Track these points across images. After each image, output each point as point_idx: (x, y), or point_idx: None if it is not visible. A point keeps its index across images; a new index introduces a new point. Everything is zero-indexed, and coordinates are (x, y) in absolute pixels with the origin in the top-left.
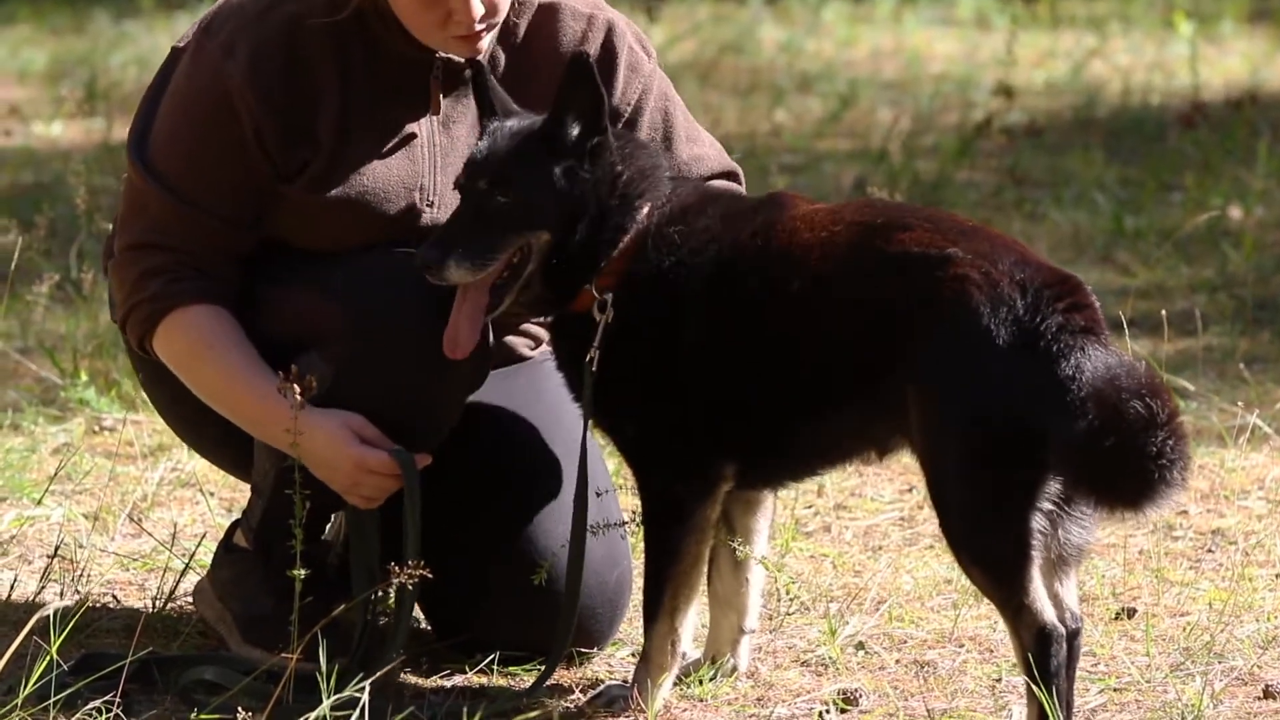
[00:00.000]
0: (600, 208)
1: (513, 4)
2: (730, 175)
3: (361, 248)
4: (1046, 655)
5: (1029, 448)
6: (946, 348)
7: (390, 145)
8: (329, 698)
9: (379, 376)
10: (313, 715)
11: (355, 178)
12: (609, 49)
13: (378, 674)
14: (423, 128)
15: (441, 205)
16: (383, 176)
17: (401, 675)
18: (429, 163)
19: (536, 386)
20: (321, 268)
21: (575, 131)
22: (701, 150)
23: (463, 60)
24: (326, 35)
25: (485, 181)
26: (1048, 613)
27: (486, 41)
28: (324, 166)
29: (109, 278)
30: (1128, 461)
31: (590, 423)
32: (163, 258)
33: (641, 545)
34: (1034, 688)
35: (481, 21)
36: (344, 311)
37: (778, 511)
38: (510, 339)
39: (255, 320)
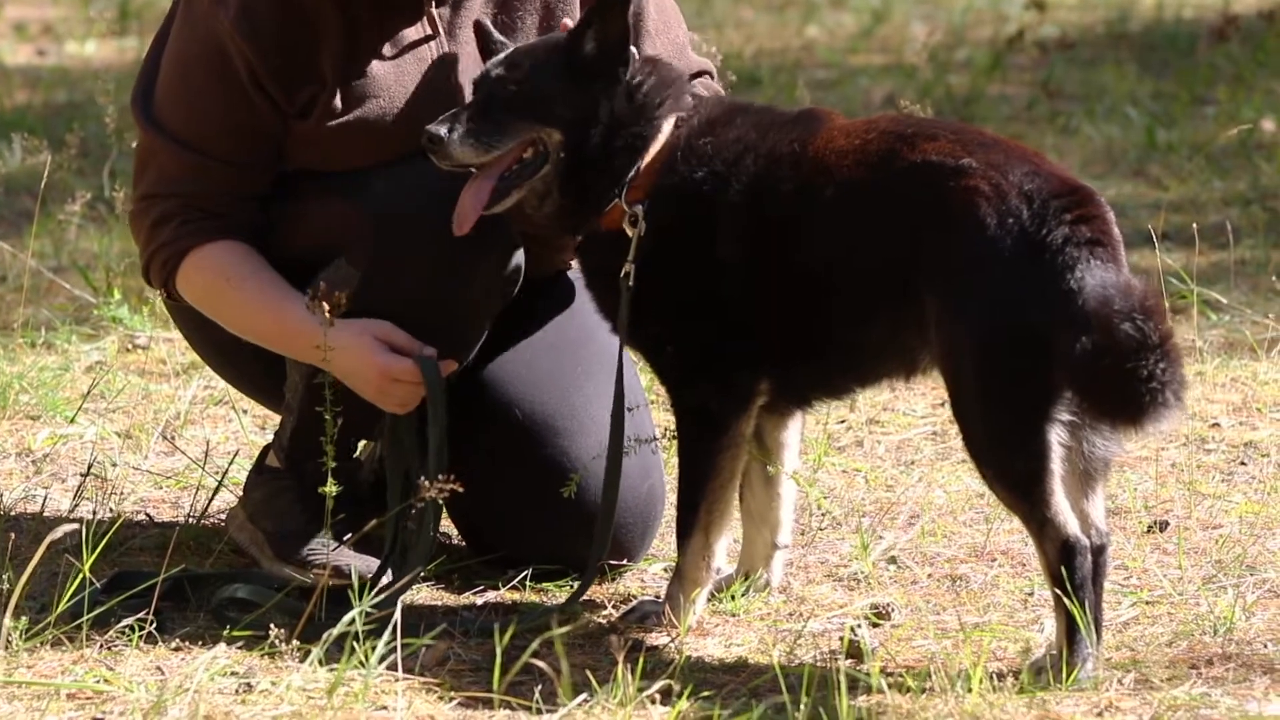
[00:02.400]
0: (616, 117)
1: None
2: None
3: (382, 163)
4: (1072, 566)
5: (1037, 360)
6: (956, 259)
7: (397, 62)
8: (361, 610)
9: (404, 276)
10: (337, 628)
11: (370, 101)
12: None
13: (403, 584)
14: (429, 40)
15: None
16: (399, 93)
17: (436, 591)
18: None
19: (572, 299)
20: (348, 179)
21: (591, 47)
22: (666, 49)
23: None
24: None
25: (498, 70)
26: (1071, 525)
27: None
28: (335, 96)
29: (130, 230)
30: (1121, 382)
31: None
32: (172, 204)
33: (674, 459)
34: (1062, 599)
35: None
36: (369, 215)
37: (811, 427)
38: (547, 250)
39: (287, 234)
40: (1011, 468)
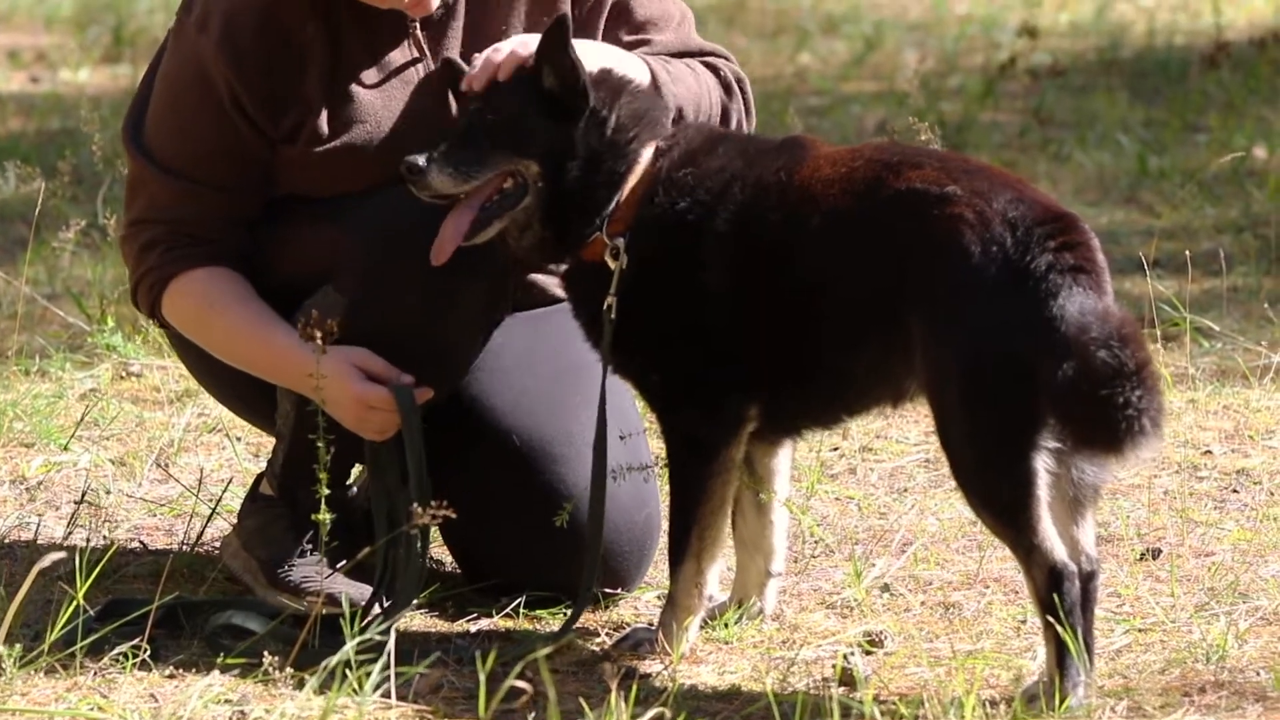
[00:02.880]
0: (591, 149)
1: None
2: (691, 55)
3: (370, 189)
4: (1060, 593)
5: (1020, 387)
6: (940, 285)
7: (382, 84)
8: (355, 640)
9: (391, 304)
10: (335, 657)
11: (357, 126)
12: None
13: (396, 615)
14: (415, 64)
15: None
16: (385, 118)
17: (428, 619)
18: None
19: (565, 329)
20: (335, 206)
21: (550, 82)
22: (660, 37)
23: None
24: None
25: (478, 100)
26: (1058, 551)
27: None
28: (321, 121)
29: (121, 255)
30: (1097, 410)
31: (611, 368)
32: (160, 230)
33: (668, 487)
34: (1052, 625)
35: None
36: (357, 243)
37: (804, 454)
38: (540, 279)
39: (275, 260)
40: (997, 494)
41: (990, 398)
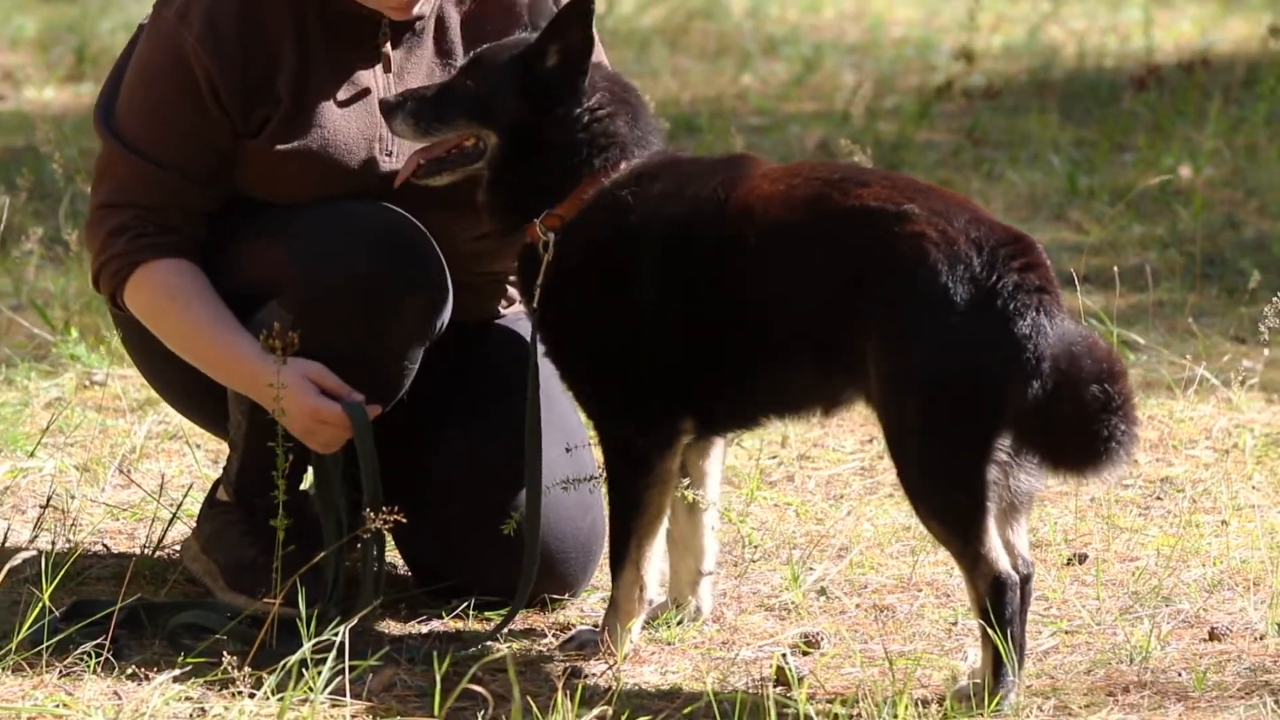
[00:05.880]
0: (555, 142)
1: None
2: None
3: (321, 199)
4: (1002, 603)
5: (985, 404)
6: (905, 304)
7: (347, 98)
8: (309, 641)
9: (330, 323)
10: (294, 658)
11: (316, 130)
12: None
13: (354, 617)
14: (377, 80)
15: (399, 154)
16: (342, 128)
17: (381, 620)
18: None
19: (508, 342)
20: (282, 219)
21: (554, 62)
22: None
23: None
24: None
25: (462, 67)
26: (1002, 562)
27: (420, 4)
28: (285, 120)
29: (84, 239)
30: (1079, 439)
31: (559, 380)
32: (128, 215)
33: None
34: (990, 632)
35: None
36: (298, 260)
37: (744, 462)
38: (481, 297)
39: (222, 272)
40: (949, 506)
41: (952, 413)
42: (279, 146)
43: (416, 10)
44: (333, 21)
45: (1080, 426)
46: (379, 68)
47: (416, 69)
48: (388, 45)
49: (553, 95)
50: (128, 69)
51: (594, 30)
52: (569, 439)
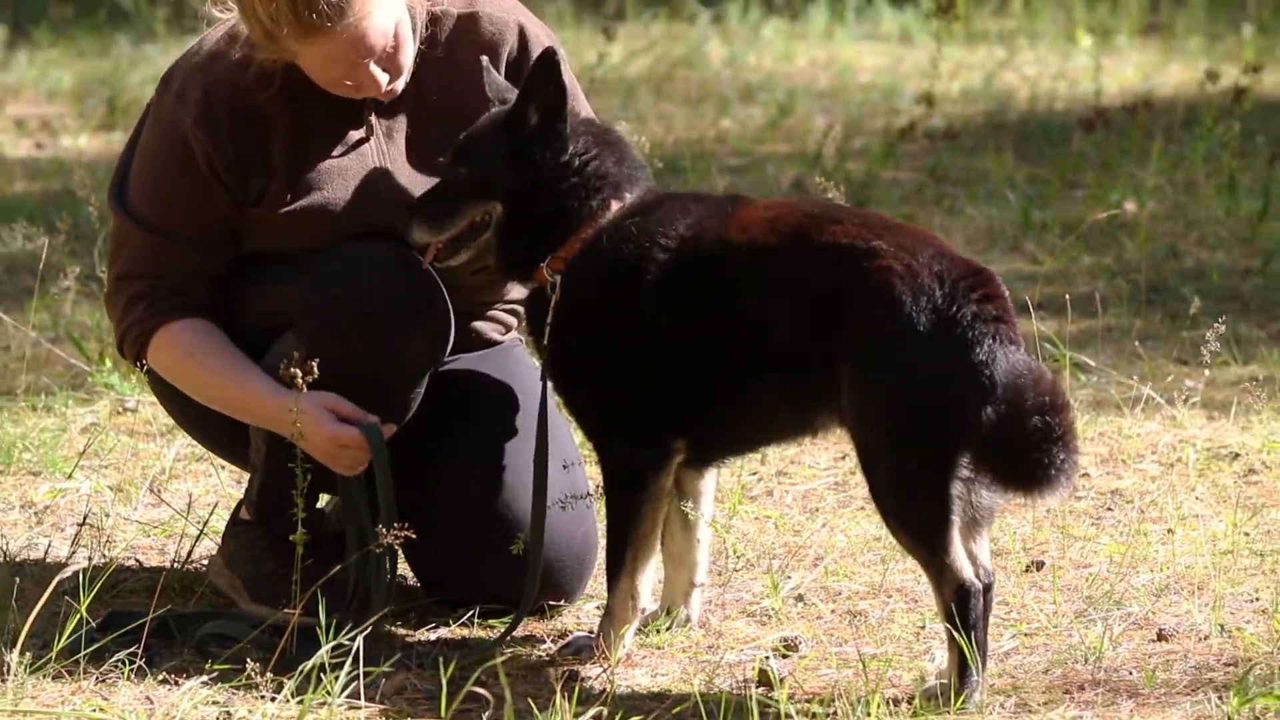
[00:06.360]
0: (553, 192)
1: (431, 16)
2: None
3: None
4: (966, 608)
5: (947, 424)
6: (873, 332)
7: (341, 153)
8: (327, 647)
9: (341, 353)
10: (311, 662)
11: (316, 191)
12: (524, 47)
13: (367, 625)
14: (369, 140)
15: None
16: (340, 185)
17: (392, 628)
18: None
19: (507, 368)
20: (294, 261)
21: (535, 119)
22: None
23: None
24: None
25: (452, 155)
26: (967, 570)
27: (400, 84)
28: (282, 187)
29: (106, 308)
30: (1024, 465)
31: (555, 398)
32: (142, 284)
33: (604, 511)
34: (955, 636)
35: (390, 83)
36: (313, 295)
37: (726, 479)
38: (481, 325)
39: (239, 313)
40: (917, 519)
41: (917, 432)
42: (283, 210)
43: (399, 87)
44: (322, 96)
45: (1024, 454)
46: (365, 129)
47: (401, 127)
48: (371, 114)
49: (541, 151)
50: (136, 149)
51: (565, 77)
52: (565, 457)
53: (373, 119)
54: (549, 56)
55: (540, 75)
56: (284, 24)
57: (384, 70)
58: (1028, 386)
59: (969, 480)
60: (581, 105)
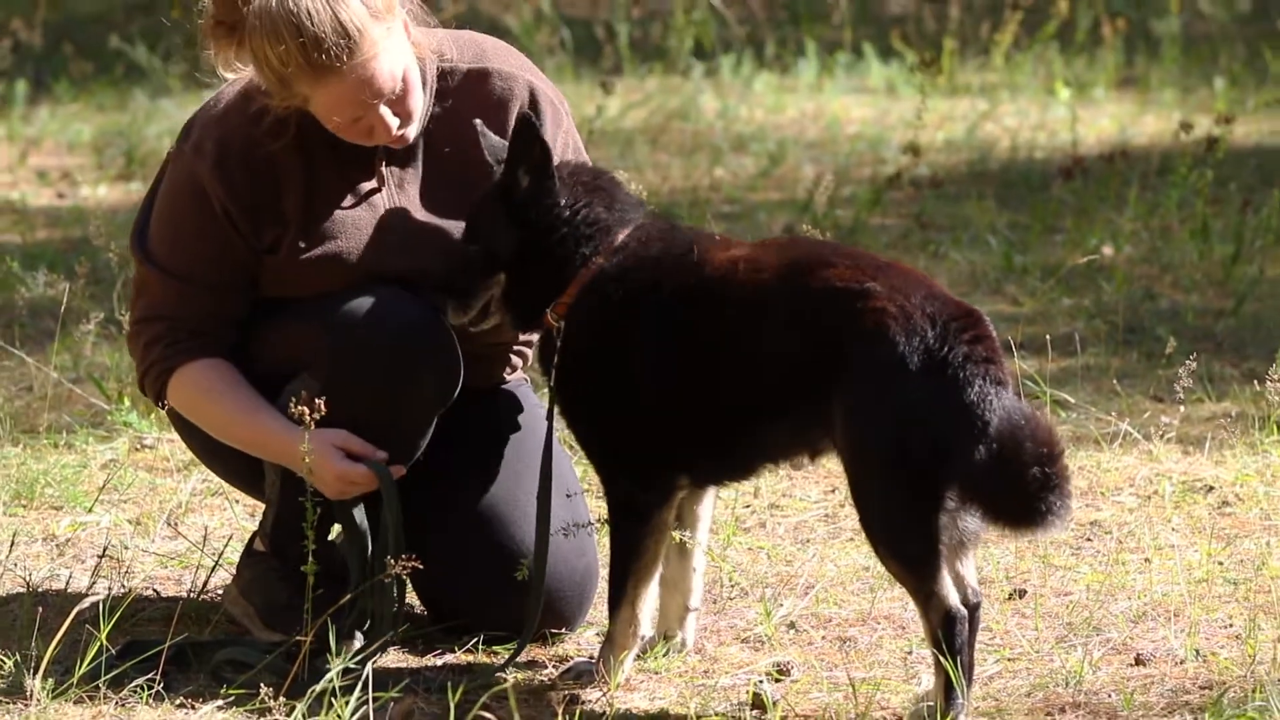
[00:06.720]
0: (549, 246)
1: (441, 71)
2: None
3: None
4: (952, 634)
5: (936, 459)
6: (866, 370)
7: (352, 204)
8: (337, 669)
9: (354, 394)
10: (321, 686)
11: (330, 241)
12: (534, 105)
13: (374, 649)
14: (380, 190)
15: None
16: (354, 234)
17: (400, 654)
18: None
19: (512, 406)
20: (309, 305)
21: (526, 182)
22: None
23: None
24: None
25: (463, 236)
26: (953, 597)
27: (413, 132)
28: (297, 237)
29: (128, 349)
30: (1020, 509)
31: (559, 435)
32: (162, 326)
33: (605, 540)
34: (942, 661)
35: (401, 128)
36: (326, 338)
37: (720, 512)
38: (488, 367)
39: (258, 352)
40: (906, 550)
41: (907, 466)
42: (298, 259)
43: (410, 134)
44: (335, 145)
45: (1021, 501)
46: (377, 180)
47: (413, 179)
48: (383, 164)
49: (535, 211)
50: (156, 198)
51: (566, 132)
52: (567, 488)
53: (384, 169)
54: (526, 120)
55: (523, 138)
56: (294, 68)
57: (394, 115)
58: (1026, 438)
59: (955, 511)
60: (578, 153)
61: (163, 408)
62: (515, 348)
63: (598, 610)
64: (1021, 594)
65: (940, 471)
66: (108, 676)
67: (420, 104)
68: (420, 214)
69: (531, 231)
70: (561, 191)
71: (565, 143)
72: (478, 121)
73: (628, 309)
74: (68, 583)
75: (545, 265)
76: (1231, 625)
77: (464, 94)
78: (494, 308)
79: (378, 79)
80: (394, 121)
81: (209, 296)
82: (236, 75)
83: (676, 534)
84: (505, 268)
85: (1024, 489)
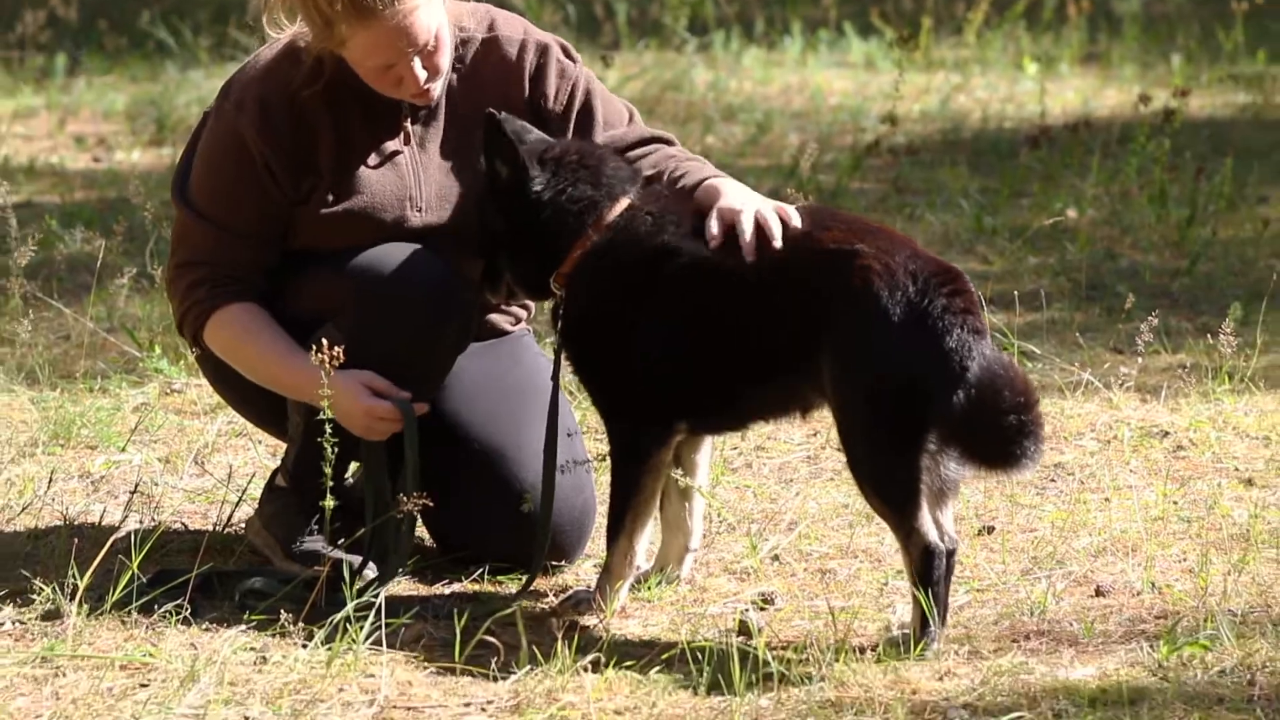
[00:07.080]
0: (538, 225)
1: (460, 40)
2: (652, 140)
3: (368, 244)
4: (930, 568)
5: (917, 404)
6: (854, 323)
7: (378, 163)
8: (353, 601)
9: (378, 341)
10: (339, 615)
11: (355, 196)
12: (542, 63)
13: (388, 579)
14: (404, 149)
15: (427, 210)
16: (378, 191)
17: (411, 583)
18: (413, 177)
19: (516, 354)
20: (340, 257)
21: (506, 172)
22: (618, 132)
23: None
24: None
25: (479, 219)
26: (932, 534)
27: (437, 90)
28: (328, 189)
29: (167, 293)
30: (997, 452)
31: (563, 380)
32: (204, 272)
33: (605, 477)
34: (918, 593)
35: (428, 82)
36: (354, 288)
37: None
38: (494, 317)
39: (289, 301)
40: (889, 488)
41: (892, 410)
42: (324, 210)
43: (435, 90)
44: (364, 102)
45: (998, 445)
46: (402, 138)
47: (434, 137)
48: (408, 121)
49: (518, 199)
50: (197, 151)
51: (595, 86)
52: (567, 428)
53: (409, 126)
54: (491, 118)
55: (490, 137)
56: (342, 6)
57: (424, 68)
58: (1004, 386)
59: (935, 454)
60: (612, 109)
61: (195, 353)
62: (519, 302)
63: (595, 544)
64: (990, 530)
65: (922, 414)
66: (139, 603)
67: (448, 62)
68: (439, 172)
69: (518, 215)
70: (541, 176)
71: (570, 90)
72: (491, 111)
73: (621, 277)
74: (101, 517)
75: (536, 242)
76: (1185, 560)
77: (480, 60)
78: (509, 281)
79: (415, 28)
80: (422, 74)
81: (246, 245)
82: (277, 36)
83: (680, 479)
84: (505, 248)
85: (1001, 433)
